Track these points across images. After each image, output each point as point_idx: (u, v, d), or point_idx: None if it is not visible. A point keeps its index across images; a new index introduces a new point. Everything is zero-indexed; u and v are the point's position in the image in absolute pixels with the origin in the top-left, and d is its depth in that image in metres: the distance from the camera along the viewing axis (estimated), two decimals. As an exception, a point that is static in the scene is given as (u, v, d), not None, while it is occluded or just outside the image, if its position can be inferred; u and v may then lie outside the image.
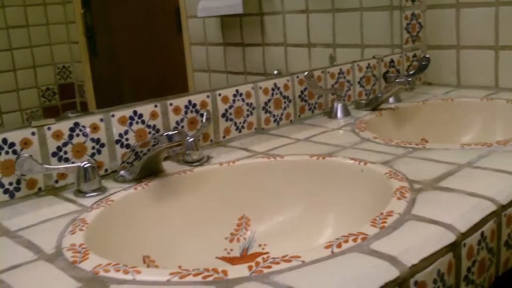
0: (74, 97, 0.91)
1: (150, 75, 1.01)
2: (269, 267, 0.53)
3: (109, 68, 0.96)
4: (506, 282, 0.73)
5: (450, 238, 0.60)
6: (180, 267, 0.63)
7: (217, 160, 0.92)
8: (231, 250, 0.82)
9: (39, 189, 0.82)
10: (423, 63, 1.32)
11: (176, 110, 0.96)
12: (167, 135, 0.78)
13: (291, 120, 1.16)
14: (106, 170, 0.88)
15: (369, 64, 1.33)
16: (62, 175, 0.84)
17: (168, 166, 0.89)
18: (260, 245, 0.83)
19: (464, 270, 0.62)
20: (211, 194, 0.86)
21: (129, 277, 0.54)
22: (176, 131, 0.78)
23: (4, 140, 0.78)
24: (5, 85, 0.82)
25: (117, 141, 0.89)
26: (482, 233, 0.65)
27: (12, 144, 0.79)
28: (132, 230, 0.75)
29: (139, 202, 0.79)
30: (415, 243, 0.58)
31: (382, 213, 0.65)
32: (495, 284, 0.70)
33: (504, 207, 0.69)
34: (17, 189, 0.80)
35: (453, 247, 0.60)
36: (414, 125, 1.23)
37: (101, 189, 0.81)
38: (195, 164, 0.91)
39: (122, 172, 0.85)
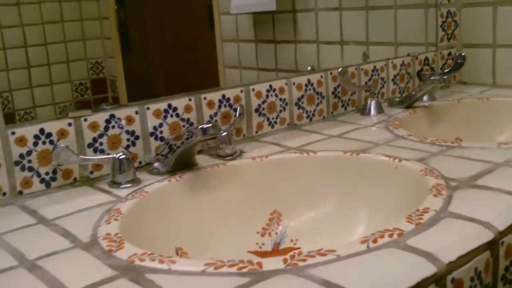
0: (106, 92, 0.92)
1: (181, 71, 1.02)
2: (304, 260, 0.53)
3: (141, 63, 0.97)
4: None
5: (488, 236, 0.59)
6: (212, 259, 0.63)
7: (249, 154, 0.92)
8: (263, 244, 0.82)
9: (75, 179, 0.83)
10: (459, 61, 1.30)
11: (210, 104, 0.96)
12: (201, 128, 0.78)
13: (323, 117, 1.16)
14: (140, 163, 0.89)
15: (403, 61, 1.32)
16: (97, 166, 0.85)
17: (201, 159, 0.90)
18: (291, 240, 0.83)
19: (501, 269, 0.61)
20: (243, 188, 0.86)
21: (164, 266, 0.54)
22: (211, 124, 0.78)
23: (42, 131, 0.79)
24: (40, 79, 0.84)
25: (152, 134, 0.90)
26: (521, 232, 0.63)
27: (49, 135, 0.80)
28: (166, 221, 0.75)
29: (173, 194, 0.79)
30: (452, 240, 0.57)
31: (418, 210, 0.64)
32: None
33: (543, 206, 0.68)
34: (53, 179, 0.81)
35: (491, 245, 0.59)
36: (448, 124, 1.21)
37: (135, 181, 0.81)
38: (228, 158, 0.91)
39: (156, 165, 0.86)
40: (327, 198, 0.86)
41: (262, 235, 0.83)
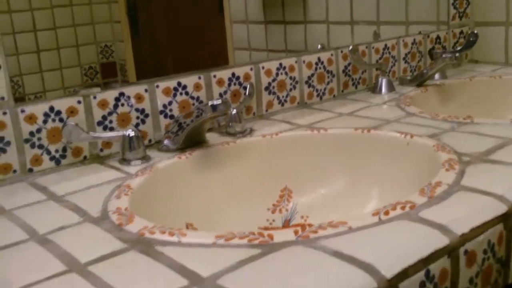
0: (116, 75, 0.91)
1: (191, 54, 1.01)
2: (315, 232, 0.53)
3: (150, 47, 0.96)
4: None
5: (502, 208, 0.58)
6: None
7: (259, 132, 0.92)
8: (273, 221, 0.82)
9: (84, 157, 0.83)
10: (471, 39, 1.28)
11: (220, 82, 0.96)
12: (211, 105, 0.77)
13: (334, 95, 1.15)
14: (150, 141, 0.89)
15: (414, 40, 1.30)
16: (107, 144, 0.84)
17: (211, 137, 0.89)
18: (302, 217, 0.83)
19: (515, 242, 0.60)
20: (253, 165, 0.85)
21: (174, 239, 0.54)
22: (220, 101, 0.77)
23: (51, 108, 0.79)
24: (49, 63, 0.83)
25: (161, 112, 0.89)
26: (535, 206, 0.63)
27: (58, 112, 0.80)
28: (176, 197, 0.75)
29: (183, 171, 0.79)
30: (465, 213, 0.57)
31: (430, 184, 0.63)
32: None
33: (557, 180, 0.67)
34: (63, 156, 0.81)
35: (504, 218, 0.58)
36: (460, 102, 1.20)
37: (145, 158, 0.81)
38: (238, 136, 0.90)
39: (166, 142, 0.86)
40: (338, 174, 0.85)
41: (273, 212, 0.83)
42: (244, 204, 0.81)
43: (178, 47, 1.00)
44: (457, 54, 1.16)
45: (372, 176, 0.82)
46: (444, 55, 1.16)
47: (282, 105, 1.06)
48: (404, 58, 1.28)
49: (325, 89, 1.12)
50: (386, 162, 0.82)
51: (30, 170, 0.78)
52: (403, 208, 0.57)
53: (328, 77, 1.13)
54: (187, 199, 0.76)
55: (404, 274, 0.47)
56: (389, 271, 0.46)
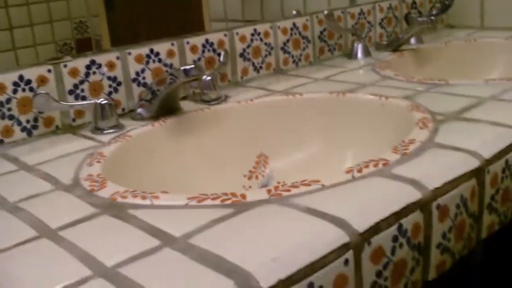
0: (92, 51, 0.89)
1: (167, 27, 0.99)
2: (288, 190, 0.53)
3: (126, 21, 0.94)
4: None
5: (474, 163, 0.58)
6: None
7: (234, 99, 0.91)
8: (250, 187, 0.82)
9: (56, 127, 0.82)
10: (446, 2, 1.28)
11: (193, 49, 0.94)
12: (184, 69, 0.76)
13: (310, 61, 1.14)
14: (123, 109, 0.88)
15: (390, 5, 1.30)
16: (79, 113, 0.83)
17: (186, 105, 0.88)
18: (278, 182, 0.82)
19: (487, 197, 0.61)
20: (229, 132, 0.85)
21: (147, 202, 0.54)
22: (193, 66, 0.76)
23: (21, 77, 0.77)
24: (23, 40, 0.81)
25: (134, 80, 0.88)
26: (507, 161, 0.63)
27: (28, 81, 0.78)
28: (150, 165, 0.74)
29: (157, 138, 0.78)
30: (438, 168, 0.57)
31: (404, 141, 0.63)
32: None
33: (530, 136, 0.67)
34: (35, 127, 0.80)
35: (477, 173, 0.58)
36: (435, 66, 1.20)
37: (118, 126, 0.80)
38: (213, 102, 0.89)
39: (139, 110, 0.84)
40: (314, 139, 0.85)
41: (249, 178, 0.83)
42: (220, 171, 0.81)
43: (154, 21, 0.98)
44: (432, 18, 1.16)
45: (348, 139, 0.82)
46: (419, 19, 1.16)
47: (258, 71, 1.05)
48: (380, 23, 1.28)
49: (301, 55, 1.12)
50: (361, 124, 0.82)
51: (1, 141, 0.77)
52: (376, 165, 0.57)
53: (304, 43, 1.12)
54: (161, 166, 0.76)
55: (376, 228, 0.47)
56: (361, 225, 0.46)
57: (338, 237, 0.45)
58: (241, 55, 1.01)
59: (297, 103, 0.88)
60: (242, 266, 0.41)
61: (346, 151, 0.81)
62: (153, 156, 0.76)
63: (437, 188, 0.53)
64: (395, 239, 0.49)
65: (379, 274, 0.48)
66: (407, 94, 0.85)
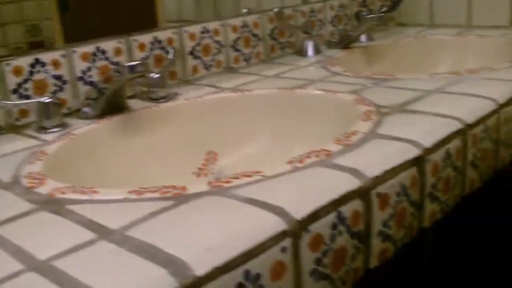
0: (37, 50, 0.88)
1: (121, 30, 0.98)
2: (229, 182, 0.52)
3: (79, 24, 0.93)
4: (471, 203, 0.73)
5: (415, 152, 0.59)
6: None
7: (183, 96, 0.90)
8: (199, 183, 0.81)
9: (0, 127, 0.80)
10: (395, 0, 1.30)
11: (141, 46, 0.94)
12: (129, 66, 0.75)
13: (261, 59, 1.14)
14: (69, 108, 0.86)
15: (341, 3, 1.31)
16: (23, 113, 0.81)
17: (134, 103, 0.87)
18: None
19: (428, 186, 0.62)
20: (177, 130, 0.84)
21: (86, 197, 0.53)
22: (139, 61, 0.75)
23: (-40, 76, 0.76)
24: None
25: (80, 78, 0.87)
26: (447, 150, 0.64)
27: (-31, 81, 0.76)
28: (95, 163, 0.73)
29: (102, 136, 0.77)
30: (379, 157, 0.57)
31: (346, 133, 0.64)
32: (460, 204, 0.70)
33: (470, 126, 0.68)
34: (-23, 127, 0.78)
35: (417, 162, 0.59)
36: (385, 63, 1.22)
37: (63, 125, 0.79)
38: (161, 100, 0.89)
39: (85, 109, 0.83)
40: (263, 135, 0.85)
41: (198, 176, 0.82)
42: (167, 169, 0.80)
43: (108, 24, 0.97)
44: (381, 15, 1.18)
45: (296, 134, 0.83)
46: (369, 17, 1.17)
47: (208, 69, 1.04)
48: (331, 21, 1.29)
49: (251, 53, 1.12)
50: (308, 119, 0.82)
51: None
52: (317, 156, 0.57)
53: (255, 41, 1.12)
54: (105, 164, 0.74)
55: (315, 215, 0.47)
56: (299, 213, 0.46)
57: (276, 224, 0.45)
58: (191, 53, 1.01)
59: (246, 100, 0.88)
60: (177, 255, 0.40)
61: (294, 145, 0.81)
62: (97, 154, 0.75)
63: (376, 177, 0.54)
64: (334, 226, 0.49)
65: (318, 261, 0.48)
66: (355, 89, 0.86)
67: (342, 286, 0.52)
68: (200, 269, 0.39)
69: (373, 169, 0.54)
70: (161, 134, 0.82)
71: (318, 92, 0.85)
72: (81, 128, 0.77)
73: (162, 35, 0.96)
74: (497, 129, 0.75)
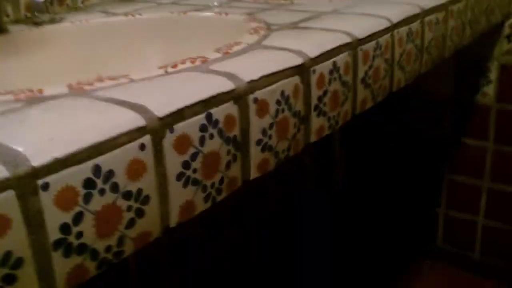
0: None
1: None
2: (92, 84, 0.48)
3: None
4: (363, 123, 0.72)
5: (297, 61, 0.57)
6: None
7: (69, 20, 0.84)
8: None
9: None
10: None
11: (22, -33, 0.86)
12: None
13: (160, -11, 1.09)
14: None
15: None
16: None
17: (14, 28, 0.81)
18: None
19: (314, 98, 0.60)
20: (61, 54, 0.78)
21: None
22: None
23: None
24: None
25: (-49, -2, 0.79)
26: (335, 63, 0.62)
27: None
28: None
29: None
30: (258, 64, 0.55)
31: (229, 43, 0.60)
32: (351, 123, 0.68)
33: (360, 41, 0.67)
34: None
35: (300, 71, 0.57)
36: None
37: None
38: (44, 25, 0.82)
39: (-44, 30, 0.76)
40: (153, 59, 0.81)
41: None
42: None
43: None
44: None
45: (186, 55, 0.78)
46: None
47: (101, -3, 0.98)
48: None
49: (149, -18, 1.06)
50: (200, 40, 0.78)
51: None
52: (193, 62, 0.54)
53: (153, -31, 1.06)
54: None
55: (180, 114, 0.44)
56: (161, 110, 0.43)
57: (133, 120, 0.41)
58: (81, -22, 0.95)
59: (136, 24, 0.83)
60: (15, 147, 0.36)
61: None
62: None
63: (253, 81, 0.51)
64: (203, 128, 0.46)
65: (186, 165, 0.45)
66: (251, 11, 0.82)
67: (217, 195, 0.49)
68: (38, 159, 0.35)
69: (250, 74, 0.51)
70: (41, 59, 0.76)
71: (210, 14, 0.81)
72: None
73: (47, -44, 0.89)
74: (391, 49, 0.74)
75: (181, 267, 1.14)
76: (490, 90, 1.29)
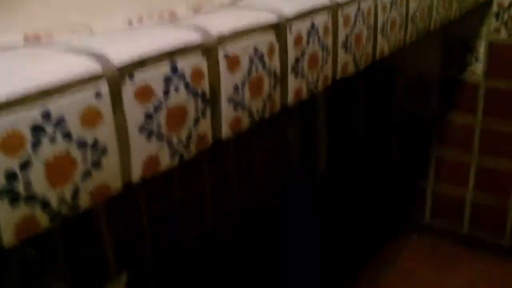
0: None
1: None
2: (50, 35, 0.45)
3: None
4: (345, 90, 0.70)
5: (272, 19, 0.54)
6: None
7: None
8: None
9: None
10: None
11: None
12: None
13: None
14: None
15: None
16: None
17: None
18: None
19: (291, 59, 0.57)
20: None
21: None
22: None
23: None
24: None
25: None
26: (313, 25, 0.60)
27: None
28: None
29: None
30: (230, 19, 0.52)
31: (202, 1, 0.58)
32: (332, 88, 0.66)
33: (341, 6, 0.64)
34: None
35: (275, 29, 0.54)
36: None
37: None
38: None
39: None
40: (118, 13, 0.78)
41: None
42: None
43: None
44: None
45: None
46: None
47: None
48: None
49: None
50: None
51: None
52: (161, 16, 0.51)
53: None
54: None
55: (141, 63, 0.41)
56: (120, 58, 0.40)
57: (88, 67, 0.38)
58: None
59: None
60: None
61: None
62: None
63: (223, 35, 0.48)
64: (168, 80, 0.43)
65: (149, 116, 0.42)
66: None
67: (185, 151, 0.46)
68: (-21, 102, 0.32)
69: (221, 28, 0.49)
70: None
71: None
72: None
73: None
74: (373, 15, 0.72)
75: (163, 248, 1.12)
76: (478, 68, 1.27)
